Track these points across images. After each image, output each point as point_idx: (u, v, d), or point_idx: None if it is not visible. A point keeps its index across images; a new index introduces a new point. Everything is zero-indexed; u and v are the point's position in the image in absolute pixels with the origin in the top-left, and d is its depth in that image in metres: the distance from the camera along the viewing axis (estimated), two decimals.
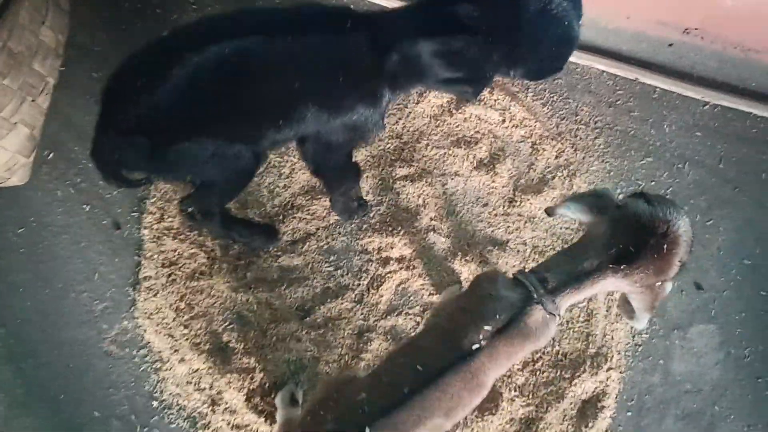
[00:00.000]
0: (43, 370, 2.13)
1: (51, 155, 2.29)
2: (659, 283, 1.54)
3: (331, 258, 2.20)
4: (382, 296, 2.18)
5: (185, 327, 2.16)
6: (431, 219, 2.26)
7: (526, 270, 1.53)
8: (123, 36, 2.41)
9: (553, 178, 2.33)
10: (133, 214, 2.25)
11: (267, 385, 2.12)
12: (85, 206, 2.26)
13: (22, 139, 2.21)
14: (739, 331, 2.25)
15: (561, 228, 2.30)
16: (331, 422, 1.51)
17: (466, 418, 2.18)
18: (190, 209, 2.01)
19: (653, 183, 2.35)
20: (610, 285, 1.53)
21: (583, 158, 2.37)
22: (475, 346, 1.42)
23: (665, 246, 1.46)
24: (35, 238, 2.26)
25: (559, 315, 1.52)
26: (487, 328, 1.43)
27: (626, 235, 1.47)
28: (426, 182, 2.28)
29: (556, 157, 2.35)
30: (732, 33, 2.25)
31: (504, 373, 2.03)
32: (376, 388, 1.54)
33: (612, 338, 2.22)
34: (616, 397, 2.17)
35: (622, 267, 1.44)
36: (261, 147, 1.88)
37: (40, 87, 2.25)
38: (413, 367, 1.48)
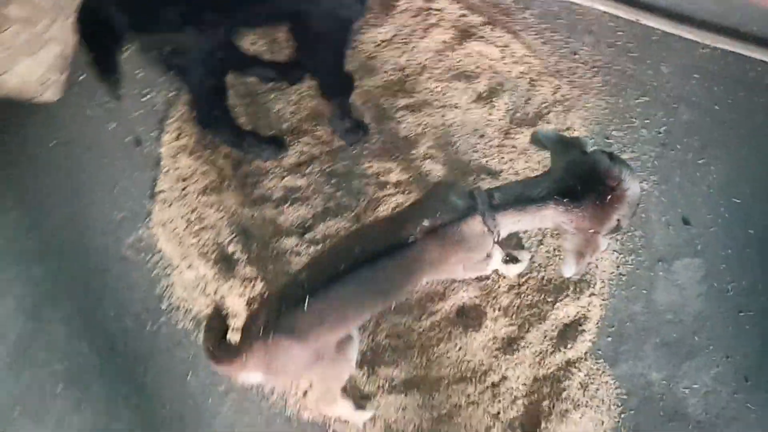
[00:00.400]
0: (69, 270, 2.29)
1: (83, 77, 2.45)
2: (593, 231, 1.61)
3: (333, 180, 2.30)
4: (377, 217, 2.30)
5: (195, 237, 2.31)
6: (428, 148, 2.36)
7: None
8: None
9: (549, 113, 2.40)
10: (153, 133, 2.42)
11: (266, 294, 2.21)
12: (110, 124, 2.43)
13: (54, 55, 2.37)
14: (724, 266, 2.29)
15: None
16: (275, 301, 1.70)
17: (450, 332, 2.16)
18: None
19: (647, 121, 2.40)
20: (550, 218, 1.63)
21: (580, 95, 2.43)
22: (411, 239, 1.55)
23: (609, 198, 1.55)
24: (64, 152, 2.43)
25: (498, 233, 1.61)
26: (425, 224, 1.55)
27: (579, 177, 1.57)
28: (425, 113, 2.40)
29: (553, 93, 2.43)
30: None
31: (441, 278, 2.09)
32: (317, 266, 1.73)
33: (597, 267, 2.30)
34: (597, 323, 2.23)
35: (564, 201, 1.54)
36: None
37: (73, 8, 2.30)
38: (352, 248, 1.63)
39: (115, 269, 2.31)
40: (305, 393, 2.17)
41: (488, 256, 1.89)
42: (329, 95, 2.27)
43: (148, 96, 2.45)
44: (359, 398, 2.17)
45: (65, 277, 2.32)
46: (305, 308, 1.65)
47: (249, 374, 1.78)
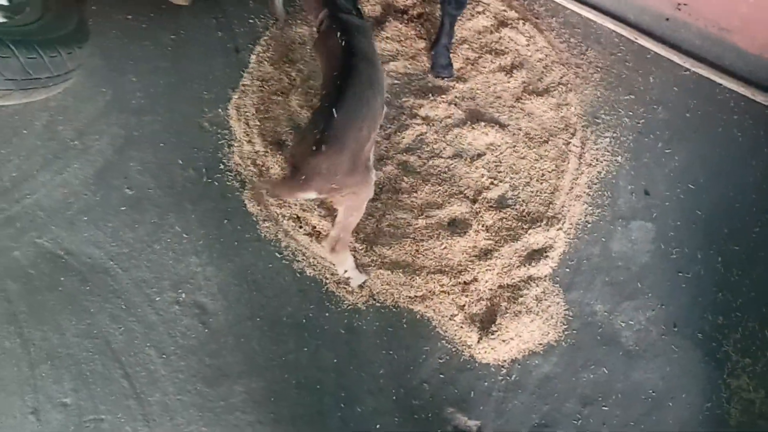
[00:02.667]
0: (156, 124, 2.62)
1: None
2: None
3: None
4: (403, 138, 2.57)
5: (259, 122, 2.59)
6: (455, 96, 2.64)
7: None
8: None
9: (554, 90, 2.66)
10: (249, 45, 2.77)
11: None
12: (219, 32, 2.78)
13: None
14: (672, 234, 2.44)
15: (551, 124, 2.61)
16: (310, 126, 2.00)
17: (439, 233, 2.44)
18: None
19: (630, 113, 2.62)
20: None
21: (580, 84, 2.66)
22: None
23: None
24: (180, 45, 2.80)
25: None
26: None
27: None
28: (459, 72, 2.70)
29: (561, 78, 2.68)
30: (710, 11, 2.53)
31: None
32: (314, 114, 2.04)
33: (568, 210, 2.47)
34: (560, 254, 2.42)
35: None
36: None
37: None
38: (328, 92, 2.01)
39: (192, 132, 2.60)
40: (317, 238, 2.44)
41: None
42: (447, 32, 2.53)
43: (251, 20, 2.81)
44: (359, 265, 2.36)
45: (152, 130, 2.63)
46: (335, 115, 1.94)
47: (306, 190, 1.97)
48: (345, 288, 2.38)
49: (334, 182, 1.97)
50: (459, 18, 2.65)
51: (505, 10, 2.80)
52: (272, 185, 2.06)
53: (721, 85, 2.65)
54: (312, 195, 1.99)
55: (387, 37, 2.77)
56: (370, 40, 2.18)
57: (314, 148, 1.90)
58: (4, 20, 2.23)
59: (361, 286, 2.41)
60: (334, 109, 1.94)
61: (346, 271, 2.33)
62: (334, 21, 2.11)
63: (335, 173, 1.95)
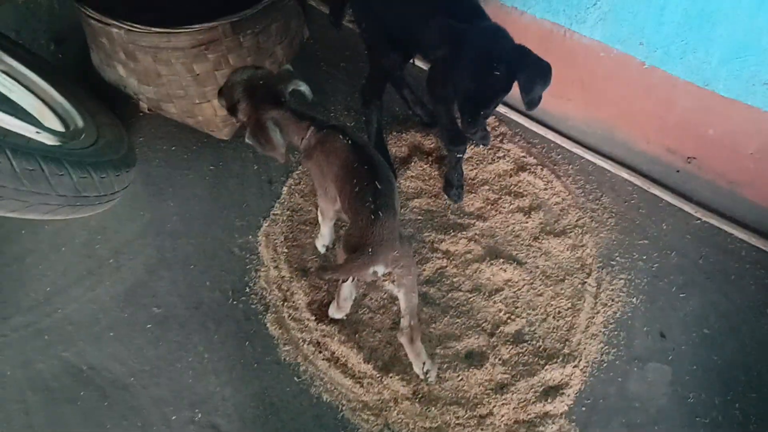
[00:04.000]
0: (189, 247, 2.77)
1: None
2: None
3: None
4: (424, 271, 2.65)
5: (286, 249, 2.72)
6: (475, 233, 2.75)
7: None
8: (324, 87, 3.29)
9: (570, 232, 2.77)
10: (282, 178, 2.94)
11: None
12: (254, 165, 2.98)
13: None
14: (688, 378, 2.42)
15: (567, 263, 2.69)
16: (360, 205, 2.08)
17: (457, 365, 2.47)
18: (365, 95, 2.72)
19: (644, 257, 2.69)
20: None
21: (596, 227, 2.76)
22: None
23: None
24: (218, 175, 2.99)
25: None
26: None
27: None
28: (479, 211, 2.86)
29: (576, 221, 2.79)
30: (717, 163, 2.64)
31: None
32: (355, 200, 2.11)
33: (585, 348, 2.49)
34: (576, 392, 2.41)
35: None
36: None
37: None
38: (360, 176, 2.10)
39: (223, 256, 2.72)
40: (335, 363, 2.48)
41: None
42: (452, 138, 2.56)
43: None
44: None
45: (185, 251, 2.75)
46: (379, 186, 2.06)
47: (376, 263, 2.04)
48: (360, 416, 2.39)
49: (396, 249, 2.07)
50: (460, 156, 2.79)
51: (524, 156, 2.98)
52: (338, 269, 2.11)
53: (732, 234, 2.74)
54: (381, 268, 2.06)
55: (412, 176, 2.93)
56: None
57: (372, 217, 2.00)
58: (60, 144, 2.42)
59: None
60: (376, 182, 2.06)
61: (424, 364, 2.40)
62: (325, 127, 2.24)
63: (394, 240, 2.05)
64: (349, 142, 2.16)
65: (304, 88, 2.28)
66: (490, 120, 3.10)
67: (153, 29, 2.51)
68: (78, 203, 2.28)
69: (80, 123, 2.64)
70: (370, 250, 2.00)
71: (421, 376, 2.40)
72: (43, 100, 2.72)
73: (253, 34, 2.73)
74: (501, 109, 3.08)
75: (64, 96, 2.71)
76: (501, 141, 3.03)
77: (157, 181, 2.90)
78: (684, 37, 2.34)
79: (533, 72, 2.07)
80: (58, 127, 2.63)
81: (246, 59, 2.77)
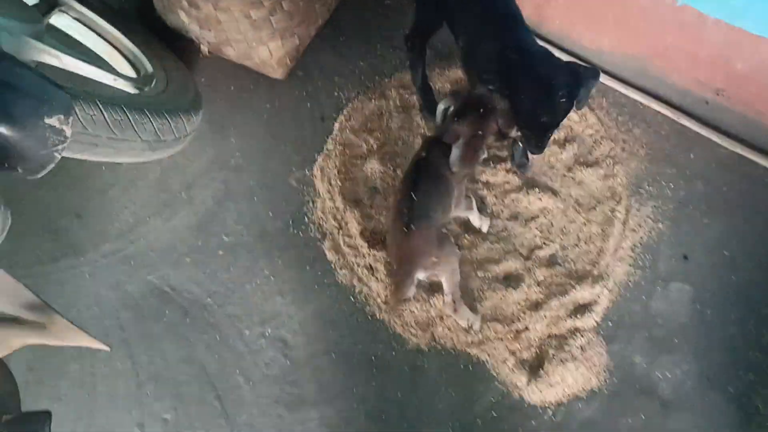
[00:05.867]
0: (251, 181, 3.00)
1: (301, 74, 3.25)
2: (476, 134, 2.35)
3: None
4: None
5: (340, 182, 2.90)
6: (513, 166, 2.91)
7: None
8: (371, 25, 3.42)
9: (602, 162, 2.89)
10: (334, 115, 3.10)
11: (378, 230, 2.82)
12: (307, 103, 3.13)
13: (293, 46, 3.12)
14: (708, 296, 2.62)
15: (599, 192, 2.86)
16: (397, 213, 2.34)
17: (496, 286, 2.70)
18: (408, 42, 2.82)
19: (672, 185, 2.83)
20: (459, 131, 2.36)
21: (627, 158, 2.89)
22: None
23: (482, 111, 2.29)
24: (274, 113, 3.16)
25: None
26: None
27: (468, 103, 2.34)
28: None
29: (609, 151, 2.91)
30: (745, 95, 2.74)
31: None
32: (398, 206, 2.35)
33: (613, 271, 2.69)
34: (604, 309, 2.64)
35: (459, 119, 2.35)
36: None
37: (314, 21, 3.20)
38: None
39: (282, 188, 2.95)
40: (386, 297, 2.71)
41: (468, 197, 2.57)
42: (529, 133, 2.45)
43: (336, 93, 3.15)
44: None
45: (248, 184, 2.99)
46: (414, 198, 2.24)
47: (414, 272, 2.27)
48: (409, 331, 2.66)
49: (433, 255, 2.27)
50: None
51: None
52: (391, 298, 2.43)
53: (756, 163, 2.86)
54: (420, 274, 2.30)
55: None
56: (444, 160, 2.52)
57: (405, 230, 2.21)
58: (137, 91, 2.63)
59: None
60: (412, 193, 2.26)
61: (468, 320, 2.62)
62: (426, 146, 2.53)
63: (431, 248, 2.26)
64: (423, 154, 2.45)
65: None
66: None
67: None
68: (158, 146, 2.51)
69: (150, 68, 2.82)
70: (407, 265, 2.27)
71: (467, 329, 2.64)
72: (114, 46, 2.88)
73: None
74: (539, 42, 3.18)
75: (133, 42, 2.87)
76: None
77: (219, 120, 3.11)
78: None
79: (589, 84, 2.23)
80: (131, 73, 2.83)
81: (298, 3, 2.92)
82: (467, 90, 2.50)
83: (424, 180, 2.34)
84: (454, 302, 2.51)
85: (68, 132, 1.75)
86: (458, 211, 2.61)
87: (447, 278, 2.44)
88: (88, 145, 2.24)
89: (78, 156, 2.26)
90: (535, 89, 2.17)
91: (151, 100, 2.53)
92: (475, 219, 2.73)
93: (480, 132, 2.35)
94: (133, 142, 2.38)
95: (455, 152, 2.31)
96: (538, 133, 2.27)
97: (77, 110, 2.13)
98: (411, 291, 2.37)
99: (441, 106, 2.48)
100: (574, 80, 2.18)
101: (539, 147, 2.31)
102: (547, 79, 2.16)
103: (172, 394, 2.62)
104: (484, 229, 2.77)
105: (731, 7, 2.47)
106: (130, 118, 2.32)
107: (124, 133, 2.32)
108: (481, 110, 2.34)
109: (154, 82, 2.73)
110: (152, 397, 2.63)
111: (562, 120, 2.26)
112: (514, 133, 2.48)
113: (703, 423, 2.49)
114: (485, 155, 2.51)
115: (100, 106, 2.21)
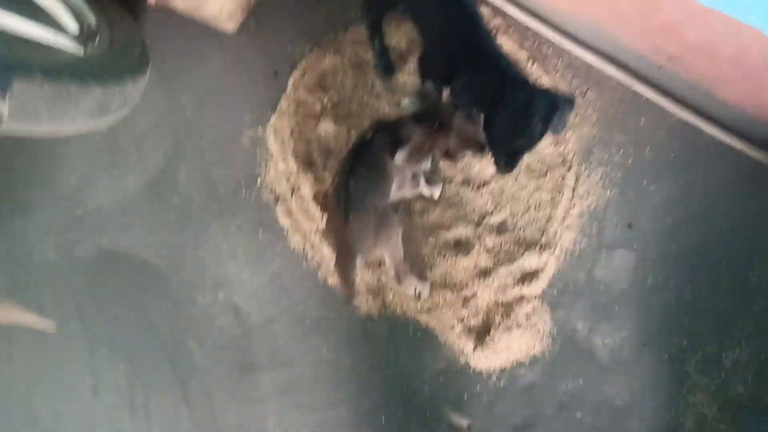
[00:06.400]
0: (203, 140, 2.77)
1: (253, 25, 2.93)
2: (428, 144, 2.18)
3: None
4: None
5: (293, 143, 2.68)
6: None
7: None
8: None
9: None
10: (288, 70, 2.84)
11: (329, 191, 2.48)
12: (261, 58, 2.85)
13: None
14: (649, 264, 2.55)
15: (550, 159, 2.71)
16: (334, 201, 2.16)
17: (446, 253, 2.58)
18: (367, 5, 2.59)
19: (621, 151, 2.70)
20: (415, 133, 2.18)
21: (579, 123, 2.76)
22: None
23: (438, 124, 2.13)
24: (226, 69, 2.89)
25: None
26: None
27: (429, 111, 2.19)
28: None
29: None
30: (696, 64, 2.57)
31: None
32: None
33: (560, 238, 2.59)
34: (549, 277, 2.55)
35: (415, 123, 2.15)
36: None
37: None
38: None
39: (234, 149, 2.73)
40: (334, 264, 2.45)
41: (415, 176, 2.39)
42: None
43: (290, 48, 2.87)
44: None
45: (200, 143, 2.77)
46: (350, 189, 2.07)
47: (354, 257, 2.13)
48: (361, 297, 2.54)
49: (372, 237, 2.14)
50: None
51: (517, 50, 2.86)
52: (339, 271, 2.25)
53: (703, 131, 2.71)
54: (360, 260, 2.16)
55: (409, 72, 2.84)
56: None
57: (342, 216, 2.07)
58: (79, 49, 2.35)
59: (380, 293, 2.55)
60: (349, 179, 2.12)
61: (416, 288, 2.51)
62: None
63: (368, 233, 2.12)
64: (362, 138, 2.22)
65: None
66: (486, 11, 2.95)
67: None
68: (102, 115, 2.26)
69: (93, 21, 2.51)
70: (346, 253, 2.12)
71: (415, 296, 2.52)
72: None
73: None
74: (496, 1, 2.93)
75: None
76: (495, 34, 2.91)
77: (169, 76, 2.82)
78: None
79: (564, 112, 2.05)
80: (73, 27, 2.51)
81: None
82: (432, 97, 2.26)
83: (362, 165, 2.15)
84: (398, 274, 2.37)
85: (4, 112, 1.63)
86: (402, 194, 2.42)
87: (388, 255, 2.31)
88: (26, 122, 1.99)
89: (16, 131, 2.00)
90: (512, 113, 2.01)
91: (95, 64, 2.23)
92: (426, 191, 2.54)
93: (429, 143, 2.17)
94: (74, 114, 2.12)
95: (402, 152, 2.10)
96: (510, 155, 2.10)
97: (15, 86, 1.86)
98: (356, 275, 2.20)
99: (406, 100, 2.27)
100: (550, 106, 2.01)
101: (509, 168, 2.14)
102: (525, 104, 1.99)
103: (125, 358, 2.49)
104: (436, 197, 2.60)
105: None
106: (73, 90, 2.05)
107: (65, 105, 2.06)
108: (437, 125, 2.15)
109: (97, 39, 2.42)
110: (105, 362, 2.48)
111: (536, 145, 2.09)
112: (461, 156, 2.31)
113: (638, 386, 2.48)
114: (429, 164, 2.40)
115: (40, 80, 1.94)
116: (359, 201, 2.09)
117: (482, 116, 2.06)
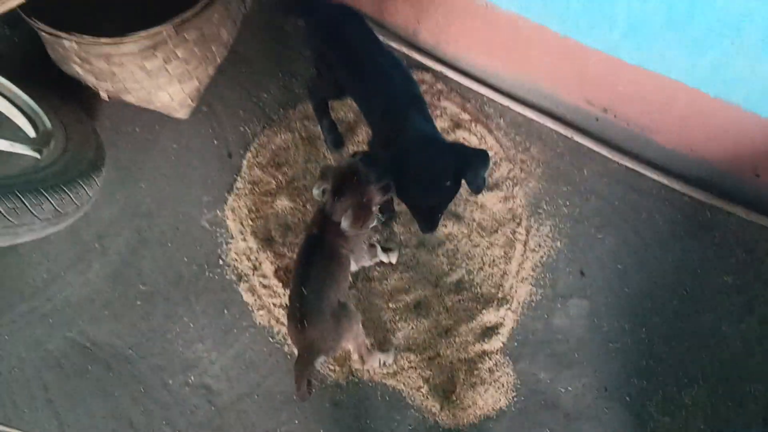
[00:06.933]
0: (164, 226, 2.86)
1: (205, 109, 3.08)
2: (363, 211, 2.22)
3: None
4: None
5: (251, 221, 2.79)
6: None
7: None
8: (271, 54, 3.29)
9: (502, 184, 2.85)
10: (241, 151, 2.96)
11: (291, 268, 2.69)
12: (214, 141, 2.98)
13: (194, 88, 2.93)
14: (603, 309, 2.63)
15: (500, 215, 2.81)
16: (291, 308, 2.19)
17: (407, 315, 2.65)
18: (311, 87, 2.69)
19: (568, 203, 2.81)
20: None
21: (525, 178, 2.85)
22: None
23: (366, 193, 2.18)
24: (181, 153, 3.01)
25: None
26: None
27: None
28: None
29: (508, 173, 2.87)
30: (629, 114, 2.73)
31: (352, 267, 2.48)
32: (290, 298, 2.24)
33: (516, 291, 2.66)
34: (509, 330, 2.62)
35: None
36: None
37: (212, 61, 2.96)
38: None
39: (195, 232, 2.81)
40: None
41: (371, 246, 2.48)
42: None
43: (242, 128, 3.01)
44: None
45: (161, 229, 2.84)
46: (305, 293, 2.14)
47: (316, 358, 2.16)
48: (328, 367, 2.61)
49: (332, 339, 2.19)
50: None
51: (459, 113, 3.00)
52: (296, 378, 2.25)
53: (644, 175, 2.85)
54: (322, 358, 2.21)
55: (359, 141, 2.97)
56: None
57: (299, 326, 2.11)
58: (35, 154, 2.46)
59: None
60: (302, 287, 2.16)
61: (380, 361, 2.58)
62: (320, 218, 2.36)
63: (326, 335, 2.17)
64: (315, 231, 2.30)
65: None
66: (428, 77, 3.11)
67: (101, 40, 2.46)
68: (59, 219, 2.36)
69: (48, 124, 2.63)
70: (306, 355, 2.16)
71: (381, 369, 2.59)
72: (10, 101, 2.67)
73: (197, 29, 2.68)
74: (437, 67, 3.08)
75: (30, 95, 2.67)
76: (438, 98, 3.05)
77: (126, 164, 2.94)
78: (589, 15, 2.36)
79: (476, 166, 2.05)
80: (29, 130, 2.64)
81: (193, 49, 2.74)
82: (335, 165, 2.39)
83: (316, 263, 2.22)
84: (361, 357, 2.45)
85: None
86: (363, 263, 2.52)
87: (351, 344, 2.38)
88: None
89: None
90: (417, 174, 2.03)
91: (49, 172, 2.34)
92: (384, 258, 2.65)
93: (364, 200, 2.22)
94: (31, 224, 2.22)
95: (345, 222, 2.20)
96: (425, 215, 2.16)
97: None
98: (312, 375, 2.28)
99: (316, 190, 2.31)
100: (460, 163, 2.02)
101: (429, 228, 2.19)
102: (430, 164, 2.02)
103: None
104: (393, 261, 2.70)
105: (608, 41, 2.42)
106: (26, 203, 2.16)
107: (22, 218, 2.17)
108: (355, 179, 2.20)
109: (53, 143, 2.55)
110: None
111: (449, 203, 2.17)
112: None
113: (603, 431, 2.52)
114: (376, 220, 2.43)
115: None
116: (315, 307, 2.16)
117: (392, 184, 2.12)
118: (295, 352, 2.23)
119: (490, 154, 2.77)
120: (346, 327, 2.23)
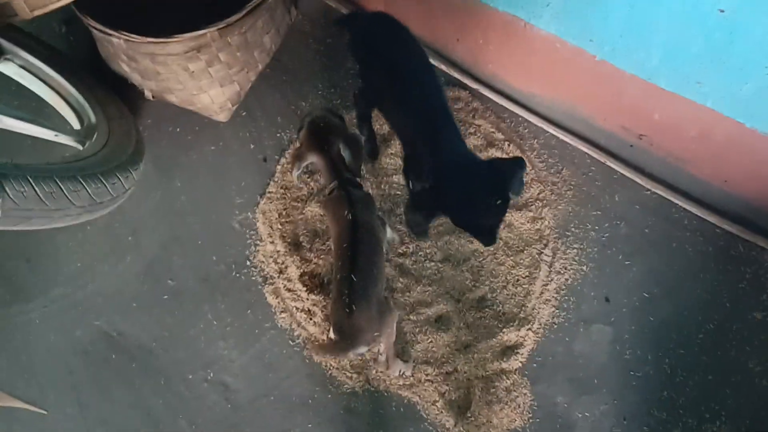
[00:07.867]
0: (196, 224, 2.96)
1: (244, 113, 3.17)
2: None
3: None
4: (401, 244, 2.87)
5: (281, 225, 2.87)
6: None
7: None
8: (313, 65, 3.36)
9: (531, 205, 2.87)
10: (276, 156, 3.05)
11: (316, 273, 2.79)
12: (251, 145, 3.08)
13: (234, 92, 3.04)
14: (627, 337, 2.63)
15: (527, 235, 2.83)
16: (337, 293, 2.22)
17: (427, 329, 2.68)
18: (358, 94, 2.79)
19: (597, 227, 2.82)
20: None
21: (555, 200, 2.88)
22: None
23: None
24: (218, 155, 3.11)
25: None
26: None
27: None
28: None
29: (538, 194, 2.90)
30: (665, 142, 2.74)
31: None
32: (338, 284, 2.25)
33: (538, 312, 2.69)
34: (529, 351, 2.63)
35: None
36: None
37: (253, 67, 3.07)
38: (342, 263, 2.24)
39: (225, 232, 2.90)
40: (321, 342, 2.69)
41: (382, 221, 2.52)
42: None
43: (279, 134, 3.11)
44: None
45: (193, 227, 2.94)
46: (354, 279, 2.16)
47: (357, 347, 2.18)
48: (345, 373, 2.66)
49: (375, 331, 2.22)
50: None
51: (493, 132, 3.05)
52: (323, 348, 2.35)
53: (677, 205, 2.86)
54: (363, 350, 2.24)
55: (392, 153, 3.02)
56: (371, 209, 2.43)
57: (347, 311, 2.14)
58: (78, 146, 2.58)
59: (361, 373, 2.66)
60: (352, 275, 2.19)
61: (400, 371, 2.63)
62: (342, 193, 2.38)
63: (371, 325, 2.20)
64: (350, 217, 2.30)
65: (346, 153, 2.47)
66: (464, 95, 3.17)
67: (148, 39, 2.58)
68: (95, 208, 2.47)
69: (93, 118, 2.76)
70: (349, 341, 2.17)
71: (399, 380, 2.64)
72: (59, 94, 2.81)
73: (240, 34, 2.79)
74: (474, 85, 3.15)
75: (78, 89, 2.80)
76: (473, 117, 3.11)
77: (165, 162, 3.06)
78: (627, 40, 2.39)
79: (518, 176, 2.18)
80: (75, 123, 2.77)
81: (235, 54, 2.85)
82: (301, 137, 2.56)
83: (362, 252, 2.27)
84: (387, 360, 2.49)
85: None
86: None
87: (385, 342, 2.41)
88: (21, 219, 2.20)
89: (12, 229, 2.22)
90: (466, 203, 2.16)
91: (87, 163, 2.46)
92: (389, 235, 2.77)
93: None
94: (67, 209, 2.33)
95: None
96: (486, 233, 2.24)
97: (7, 189, 2.08)
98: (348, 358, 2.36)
99: (296, 172, 2.52)
100: (501, 178, 2.13)
101: (490, 241, 2.27)
102: (476, 190, 2.15)
103: None
104: (396, 241, 2.81)
105: (645, 67, 2.45)
106: (63, 189, 2.27)
107: (58, 203, 2.27)
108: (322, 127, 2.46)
109: (95, 136, 2.67)
110: None
111: (503, 216, 2.25)
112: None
113: None
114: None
115: (31, 182, 2.16)
116: (363, 294, 2.19)
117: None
118: (331, 335, 2.26)
119: None
120: (387, 322, 2.28)
